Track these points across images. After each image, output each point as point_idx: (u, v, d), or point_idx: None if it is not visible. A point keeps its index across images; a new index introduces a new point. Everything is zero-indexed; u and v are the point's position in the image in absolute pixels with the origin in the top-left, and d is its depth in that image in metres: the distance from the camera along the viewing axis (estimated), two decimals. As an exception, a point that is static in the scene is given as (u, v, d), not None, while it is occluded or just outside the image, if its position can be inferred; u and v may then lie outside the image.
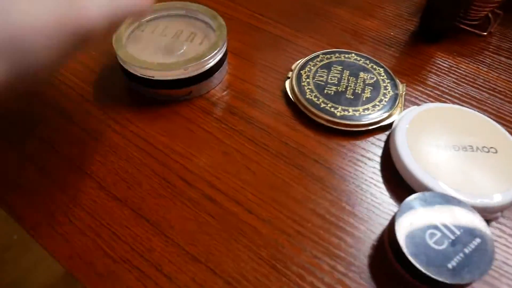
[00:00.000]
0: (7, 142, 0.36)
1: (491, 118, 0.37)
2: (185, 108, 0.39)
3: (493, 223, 0.32)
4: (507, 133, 0.34)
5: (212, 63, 0.38)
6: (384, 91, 0.39)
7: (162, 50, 0.39)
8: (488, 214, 0.31)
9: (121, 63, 0.38)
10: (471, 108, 0.40)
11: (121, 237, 0.31)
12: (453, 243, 0.26)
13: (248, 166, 0.35)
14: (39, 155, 0.35)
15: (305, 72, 0.40)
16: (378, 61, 0.42)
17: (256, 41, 0.46)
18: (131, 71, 0.37)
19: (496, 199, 0.30)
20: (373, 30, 0.48)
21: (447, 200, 0.28)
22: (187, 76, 0.37)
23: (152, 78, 0.37)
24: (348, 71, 0.40)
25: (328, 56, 0.42)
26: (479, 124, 0.35)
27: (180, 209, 0.32)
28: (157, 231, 0.31)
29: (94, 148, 0.36)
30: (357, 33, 0.48)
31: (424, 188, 0.31)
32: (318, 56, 0.42)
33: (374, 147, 0.36)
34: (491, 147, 0.33)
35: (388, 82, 0.40)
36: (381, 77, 0.40)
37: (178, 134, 0.37)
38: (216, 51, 0.38)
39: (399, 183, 0.33)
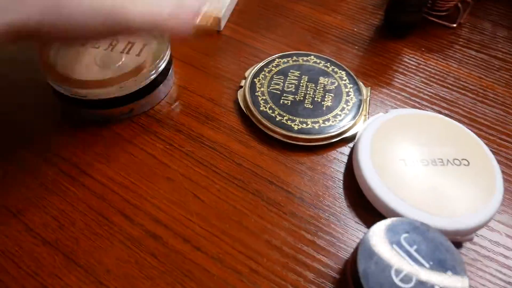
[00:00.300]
0: None
1: (463, 123, 0.34)
2: (126, 128, 0.35)
3: (468, 245, 0.29)
4: (479, 140, 0.31)
5: (154, 75, 0.34)
6: (347, 98, 0.35)
7: (96, 63, 0.35)
8: (462, 236, 0.28)
9: (49, 82, 0.33)
10: (441, 112, 0.36)
11: (49, 287, 0.27)
12: (422, 280, 0.23)
13: (196, 194, 0.31)
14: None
15: (259, 80, 0.36)
16: (339, 63, 0.38)
17: (207, 45, 0.42)
18: (61, 91, 0.33)
19: (469, 220, 0.27)
20: (336, 27, 0.44)
21: (415, 227, 0.25)
22: (125, 93, 0.33)
23: (84, 98, 0.32)
24: (306, 77, 0.37)
25: (285, 60, 0.38)
26: (450, 132, 0.32)
27: (119, 250, 0.28)
28: (92, 279, 0.27)
29: (21, 183, 0.31)
30: (318, 31, 0.44)
31: (391, 212, 0.28)
32: (273, 60, 0.38)
33: (336, 163, 0.33)
34: (463, 159, 0.30)
35: (350, 87, 0.36)
36: (343, 82, 0.36)
37: (117, 160, 0.33)
38: (158, 61, 0.34)
39: (365, 205, 0.30)
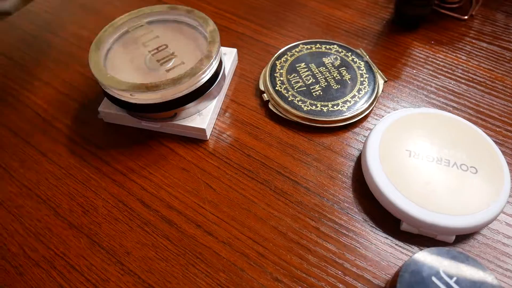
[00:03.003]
0: (-39, 170, 0.35)
1: (469, 114, 0.35)
2: (145, 121, 0.37)
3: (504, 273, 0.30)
4: (497, 150, 0.31)
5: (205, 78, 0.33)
6: (360, 86, 0.36)
7: (143, 67, 0.34)
8: (442, 234, 0.29)
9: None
10: (448, 104, 0.37)
11: (76, 267, 0.29)
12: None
13: (208, 183, 0.33)
14: (-7, 182, 0.34)
15: (280, 62, 0.39)
16: (361, 53, 0.39)
17: (225, 42, 0.44)
18: (110, 92, 0.33)
19: (452, 220, 0.28)
20: (346, 22, 0.45)
21: (454, 257, 0.24)
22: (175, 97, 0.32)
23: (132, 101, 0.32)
24: (323, 64, 0.38)
25: (308, 46, 0.40)
26: (467, 136, 0.32)
27: (137, 234, 0.31)
28: (113, 259, 0.30)
29: (50, 171, 0.34)
30: (329, 26, 0.45)
31: (384, 199, 0.29)
32: (297, 45, 0.40)
33: (344, 154, 0.34)
34: (472, 166, 0.30)
35: (366, 77, 0.37)
36: (360, 71, 0.38)
37: (136, 151, 0.35)
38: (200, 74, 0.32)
39: (367, 194, 0.31)
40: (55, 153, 0.36)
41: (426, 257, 0.24)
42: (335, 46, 0.40)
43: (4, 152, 0.36)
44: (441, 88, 0.39)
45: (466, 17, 0.45)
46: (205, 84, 0.34)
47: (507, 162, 0.33)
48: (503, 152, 0.34)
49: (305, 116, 0.35)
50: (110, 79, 0.32)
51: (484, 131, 0.35)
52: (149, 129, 0.36)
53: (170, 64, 0.34)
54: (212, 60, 0.33)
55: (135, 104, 0.33)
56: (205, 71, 0.33)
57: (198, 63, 0.32)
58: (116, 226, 0.31)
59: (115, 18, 0.38)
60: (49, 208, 0.32)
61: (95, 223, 0.31)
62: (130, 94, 0.31)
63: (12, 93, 0.41)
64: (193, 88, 0.33)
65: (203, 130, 0.34)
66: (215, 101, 0.36)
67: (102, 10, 0.49)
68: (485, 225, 0.28)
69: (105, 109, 0.36)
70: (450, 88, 0.39)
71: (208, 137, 0.35)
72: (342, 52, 0.39)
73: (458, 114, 0.36)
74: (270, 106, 0.36)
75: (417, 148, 0.31)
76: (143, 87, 0.31)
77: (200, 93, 0.34)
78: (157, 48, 0.35)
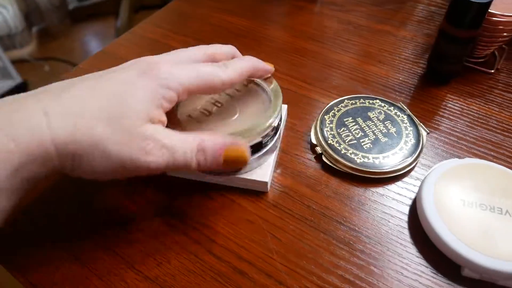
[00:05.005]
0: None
1: (510, 163, 0.37)
2: (206, 175, 0.40)
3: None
4: None
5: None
6: (406, 139, 0.39)
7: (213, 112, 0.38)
8: (501, 279, 0.30)
9: None
10: (487, 153, 0.40)
11: (156, 319, 0.31)
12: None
13: (273, 233, 0.35)
14: (70, 240, 0.36)
15: (329, 117, 0.42)
16: (402, 107, 0.43)
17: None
18: None
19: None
20: (383, 77, 0.49)
21: None
22: None
23: None
24: (369, 118, 0.41)
25: (353, 101, 0.43)
26: (510, 183, 0.35)
27: (211, 285, 0.32)
28: (191, 310, 0.31)
29: (122, 226, 0.36)
30: (367, 81, 0.49)
31: (447, 249, 0.31)
32: (343, 101, 0.43)
33: (397, 203, 0.37)
34: None
35: (410, 130, 0.40)
36: (404, 124, 0.41)
37: (201, 204, 0.37)
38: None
39: (425, 240, 0.33)
40: (122, 208, 0.38)
41: None
42: (378, 100, 0.43)
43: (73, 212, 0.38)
44: (479, 138, 0.42)
45: (492, 70, 0.49)
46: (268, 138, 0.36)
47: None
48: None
49: (359, 168, 0.37)
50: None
51: (526, 179, 0.37)
52: (211, 182, 0.39)
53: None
54: (275, 117, 0.36)
55: None
56: (269, 127, 0.36)
57: (264, 119, 0.36)
58: (190, 277, 0.33)
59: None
60: (122, 261, 0.34)
61: (169, 275, 0.33)
62: None
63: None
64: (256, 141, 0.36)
65: (264, 183, 0.37)
66: (274, 154, 0.38)
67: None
68: None
69: None
70: (488, 138, 0.42)
71: (268, 189, 0.38)
72: (384, 106, 0.43)
73: (498, 163, 0.39)
74: (324, 159, 0.39)
75: (469, 197, 0.34)
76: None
77: (262, 147, 0.36)
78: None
